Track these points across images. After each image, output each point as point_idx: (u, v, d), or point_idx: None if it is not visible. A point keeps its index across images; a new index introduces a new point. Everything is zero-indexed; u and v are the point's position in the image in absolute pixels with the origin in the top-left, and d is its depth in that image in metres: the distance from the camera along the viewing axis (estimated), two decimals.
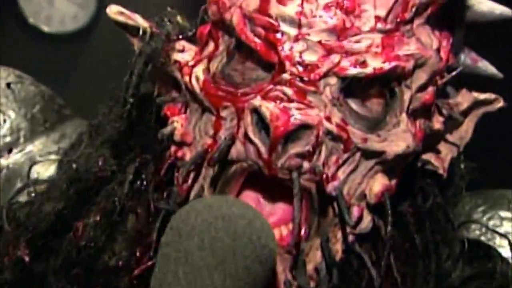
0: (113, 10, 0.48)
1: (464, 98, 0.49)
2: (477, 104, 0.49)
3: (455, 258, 0.49)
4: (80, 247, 0.45)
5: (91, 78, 1.82)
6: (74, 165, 0.50)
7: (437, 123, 0.47)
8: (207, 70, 0.44)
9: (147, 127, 0.49)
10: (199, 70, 0.44)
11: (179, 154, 0.45)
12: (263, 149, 0.38)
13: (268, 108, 0.38)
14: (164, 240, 0.36)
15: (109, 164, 0.47)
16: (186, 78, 0.45)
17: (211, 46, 0.45)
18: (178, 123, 0.45)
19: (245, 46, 0.41)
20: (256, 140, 0.39)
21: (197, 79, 0.44)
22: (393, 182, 0.44)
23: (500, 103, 0.50)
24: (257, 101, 0.39)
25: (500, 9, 0.46)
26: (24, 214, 0.50)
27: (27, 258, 0.47)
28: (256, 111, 0.38)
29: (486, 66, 0.50)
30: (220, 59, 0.44)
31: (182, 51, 0.47)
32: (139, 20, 0.48)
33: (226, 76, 0.42)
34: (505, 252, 0.54)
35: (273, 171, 0.39)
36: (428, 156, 0.48)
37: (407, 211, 0.48)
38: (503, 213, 0.58)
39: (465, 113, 0.49)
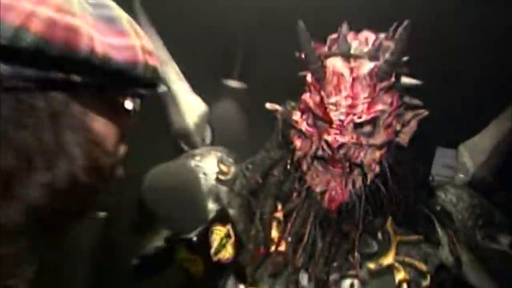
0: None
1: (408, 114, 0.97)
2: (414, 116, 0.97)
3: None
4: None
5: None
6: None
7: (398, 126, 0.94)
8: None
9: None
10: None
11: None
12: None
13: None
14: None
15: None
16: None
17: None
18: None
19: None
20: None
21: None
22: (383, 153, 0.92)
23: (426, 113, 0.97)
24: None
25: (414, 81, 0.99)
26: None
27: None
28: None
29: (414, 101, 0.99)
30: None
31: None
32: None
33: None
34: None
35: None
36: (398, 138, 0.96)
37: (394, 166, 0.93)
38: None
39: (410, 120, 0.97)
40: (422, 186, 1.00)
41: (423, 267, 0.91)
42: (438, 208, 0.99)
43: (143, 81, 0.48)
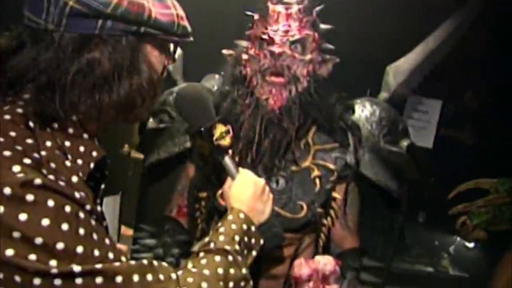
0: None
1: (327, 57, 1.35)
2: (332, 59, 1.36)
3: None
4: None
5: None
6: None
7: (318, 58, 1.33)
8: None
9: None
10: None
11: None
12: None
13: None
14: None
15: None
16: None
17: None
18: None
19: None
20: None
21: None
22: (311, 69, 1.30)
23: (337, 60, 1.35)
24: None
25: None
26: None
27: None
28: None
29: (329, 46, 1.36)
30: None
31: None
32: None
33: None
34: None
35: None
36: (319, 71, 1.34)
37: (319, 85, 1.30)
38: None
39: (328, 61, 1.36)
40: (339, 106, 1.33)
41: (331, 166, 1.29)
42: (351, 122, 1.33)
43: (178, 34, 0.81)
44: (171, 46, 0.85)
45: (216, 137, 1.07)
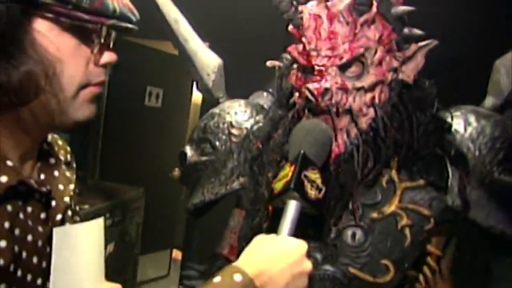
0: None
1: (412, 48, 0.94)
2: (420, 48, 0.94)
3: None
4: None
5: None
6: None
7: (395, 62, 0.93)
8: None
9: None
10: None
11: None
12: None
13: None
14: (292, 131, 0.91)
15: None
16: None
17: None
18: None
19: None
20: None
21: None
22: (374, 95, 0.92)
23: (435, 43, 0.94)
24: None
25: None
26: None
27: None
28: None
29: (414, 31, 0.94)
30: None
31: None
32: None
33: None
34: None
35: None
36: (401, 75, 0.94)
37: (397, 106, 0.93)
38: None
39: (415, 53, 0.94)
40: (433, 127, 0.97)
41: (426, 211, 0.95)
42: (453, 150, 0.96)
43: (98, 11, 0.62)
44: (103, 31, 0.65)
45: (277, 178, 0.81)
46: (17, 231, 0.63)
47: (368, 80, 0.90)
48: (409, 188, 0.96)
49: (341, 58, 0.87)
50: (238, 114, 1.14)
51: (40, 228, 0.68)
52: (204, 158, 1.17)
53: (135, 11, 0.68)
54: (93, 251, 0.78)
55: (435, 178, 0.95)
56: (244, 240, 1.07)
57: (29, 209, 0.67)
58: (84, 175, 2.89)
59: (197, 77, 1.23)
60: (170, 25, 1.20)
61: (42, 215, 0.70)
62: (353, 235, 0.96)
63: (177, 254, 4.10)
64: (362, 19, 0.88)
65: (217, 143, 1.14)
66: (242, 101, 1.20)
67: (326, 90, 0.87)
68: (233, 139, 1.10)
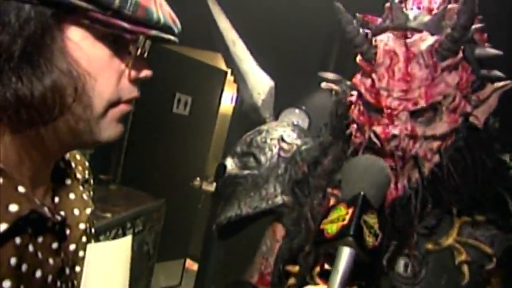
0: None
1: (487, 90, 0.85)
2: (496, 89, 0.85)
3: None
4: None
5: None
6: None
7: (468, 108, 0.84)
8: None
9: None
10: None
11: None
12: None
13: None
14: (346, 165, 0.81)
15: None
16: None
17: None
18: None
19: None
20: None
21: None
22: (443, 144, 0.84)
23: (510, 85, 0.85)
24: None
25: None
26: None
27: None
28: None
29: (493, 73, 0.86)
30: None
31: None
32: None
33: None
34: None
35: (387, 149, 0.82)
36: (472, 118, 0.86)
37: (462, 152, 0.85)
38: None
39: (489, 96, 0.85)
40: (496, 170, 0.89)
41: (487, 249, 0.88)
42: None
43: (147, 23, 0.55)
44: (142, 42, 0.57)
45: (327, 219, 0.73)
46: (24, 267, 0.54)
47: (440, 129, 0.82)
48: (467, 222, 0.90)
49: (415, 104, 0.79)
50: (287, 132, 1.10)
51: (50, 260, 0.60)
52: (246, 172, 1.12)
53: (177, 21, 0.60)
54: (121, 269, 0.76)
55: (496, 216, 0.89)
56: (282, 261, 1.02)
57: (40, 239, 0.58)
58: (106, 179, 2.87)
59: (246, 95, 1.21)
60: (227, 46, 1.18)
61: (54, 245, 0.61)
62: (406, 265, 0.89)
63: (190, 264, 4.04)
64: (444, 64, 0.79)
65: (262, 158, 1.09)
66: (288, 123, 1.16)
67: (394, 136, 0.80)
68: (282, 153, 1.06)
